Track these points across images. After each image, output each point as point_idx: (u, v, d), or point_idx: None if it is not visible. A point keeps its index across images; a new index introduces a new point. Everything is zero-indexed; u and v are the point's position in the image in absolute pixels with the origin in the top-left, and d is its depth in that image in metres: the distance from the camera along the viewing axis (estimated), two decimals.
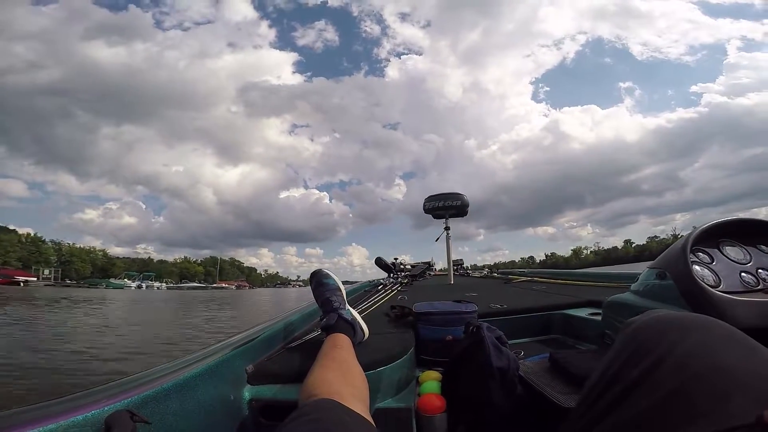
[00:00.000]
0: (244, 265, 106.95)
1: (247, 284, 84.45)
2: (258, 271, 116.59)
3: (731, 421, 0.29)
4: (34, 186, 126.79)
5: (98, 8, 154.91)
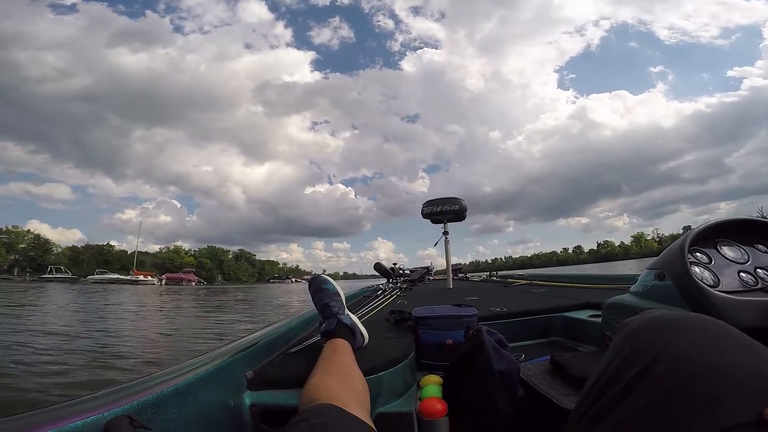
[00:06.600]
0: (256, 257, 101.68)
1: (194, 278, 54.44)
2: (280, 265, 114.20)
3: (731, 419, 0.29)
4: (77, 189, 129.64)
5: (117, 16, 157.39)
